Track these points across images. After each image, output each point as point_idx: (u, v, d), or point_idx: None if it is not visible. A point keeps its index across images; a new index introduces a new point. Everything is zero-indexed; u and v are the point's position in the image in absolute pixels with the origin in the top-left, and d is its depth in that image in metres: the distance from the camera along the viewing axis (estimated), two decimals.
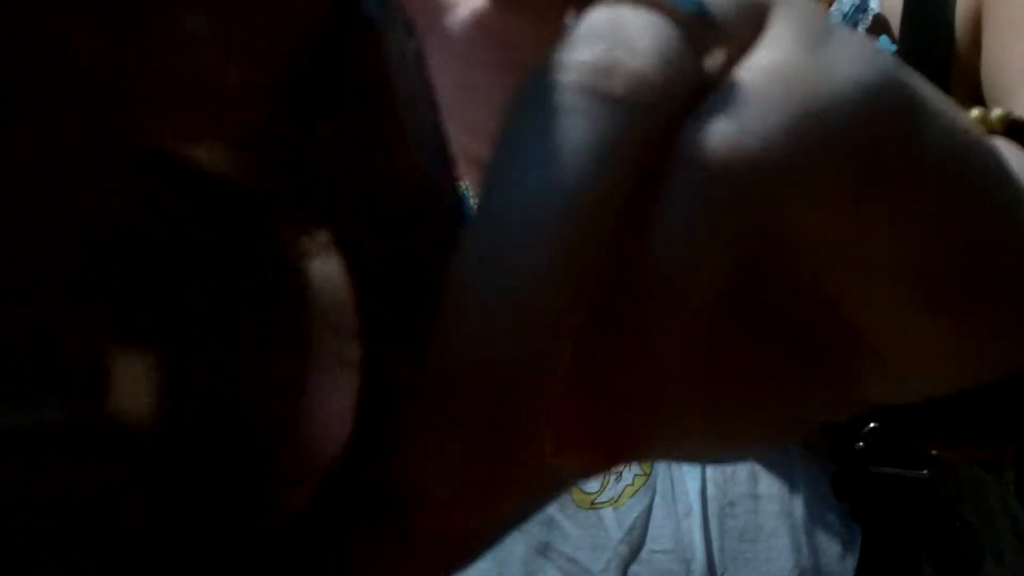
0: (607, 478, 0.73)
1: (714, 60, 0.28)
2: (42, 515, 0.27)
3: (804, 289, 0.30)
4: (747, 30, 0.28)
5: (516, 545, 0.74)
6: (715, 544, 0.72)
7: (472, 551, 0.31)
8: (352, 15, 0.30)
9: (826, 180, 0.27)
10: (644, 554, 0.72)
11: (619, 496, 0.73)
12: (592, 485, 0.74)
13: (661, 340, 0.26)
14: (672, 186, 0.26)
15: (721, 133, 0.26)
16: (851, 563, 0.73)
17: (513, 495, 0.26)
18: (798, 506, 0.73)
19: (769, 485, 0.73)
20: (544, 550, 0.74)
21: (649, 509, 0.73)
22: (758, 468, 0.73)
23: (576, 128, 0.25)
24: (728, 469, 0.73)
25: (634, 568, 0.72)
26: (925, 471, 0.74)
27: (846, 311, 0.30)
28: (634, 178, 0.26)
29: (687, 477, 0.73)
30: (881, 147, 0.27)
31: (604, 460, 0.28)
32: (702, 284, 0.26)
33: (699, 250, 0.25)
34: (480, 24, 0.74)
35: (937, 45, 0.76)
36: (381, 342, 0.30)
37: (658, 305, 0.26)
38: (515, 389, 0.25)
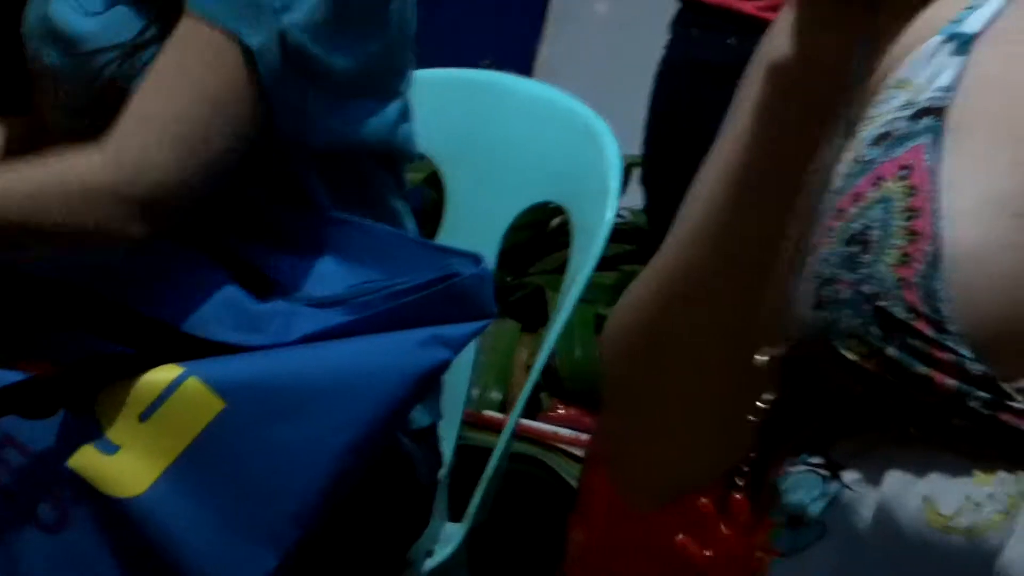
0: (966, 506, 0.72)
1: None
2: None
3: None
4: None
5: (861, 547, 0.74)
6: None
7: None
8: None
9: None
10: None
11: (975, 527, 0.73)
12: (948, 508, 0.73)
13: None
14: None
15: None
16: None
17: None
18: None
19: None
20: (886, 559, 0.74)
21: (1001, 548, 0.72)
22: None
23: None
24: None
25: None
26: None
27: None
28: None
29: None
30: None
31: None
32: None
33: None
34: None
35: None
36: None
37: None
38: None
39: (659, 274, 0.77)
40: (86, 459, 1.02)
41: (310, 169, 1.16)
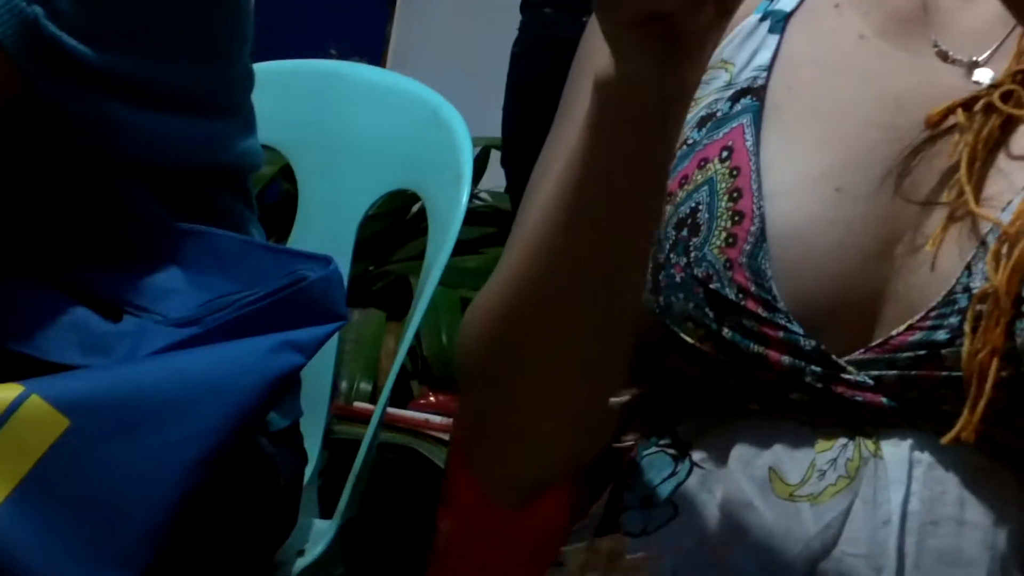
0: (809, 474, 0.71)
1: None
2: None
3: None
4: None
5: (712, 522, 0.75)
6: (910, 559, 0.72)
7: None
8: None
9: None
10: (836, 553, 0.72)
11: (820, 493, 0.73)
12: (793, 477, 0.74)
13: None
14: None
15: None
16: None
17: None
18: (1002, 539, 0.72)
19: (975, 513, 0.72)
20: (738, 532, 0.74)
21: (848, 511, 0.73)
22: (967, 494, 0.73)
23: None
24: (937, 489, 0.72)
25: (823, 565, 0.72)
26: None
27: None
28: None
29: (891, 487, 0.72)
30: None
31: None
32: None
33: None
34: None
35: None
36: None
37: None
38: None
39: (503, 286, 0.76)
40: None
41: (143, 186, 1.12)
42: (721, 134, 0.77)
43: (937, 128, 0.75)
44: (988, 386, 0.70)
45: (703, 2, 0.63)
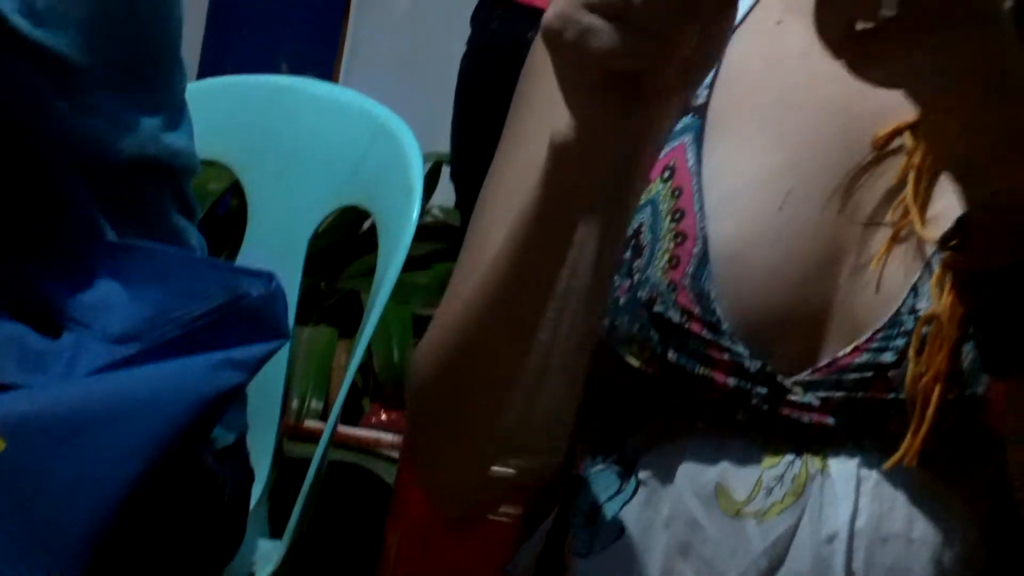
0: (756, 490, 0.70)
1: None
2: None
3: None
4: None
5: (658, 541, 0.74)
6: None
7: None
8: None
9: None
10: (782, 572, 0.72)
11: (766, 511, 0.72)
12: (740, 494, 0.73)
13: None
14: None
15: None
16: None
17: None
18: (949, 557, 0.72)
19: (924, 530, 0.72)
20: (684, 550, 0.73)
21: (795, 529, 0.72)
22: (915, 512, 0.72)
23: None
24: (885, 506, 0.72)
25: None
26: None
27: None
28: None
29: (839, 503, 0.72)
30: None
31: None
32: None
33: None
34: None
35: None
36: None
37: None
38: None
39: (451, 325, 0.75)
40: None
41: (80, 186, 1.10)
42: (662, 153, 0.76)
43: (883, 149, 0.74)
44: (931, 411, 0.70)
45: (668, 61, 0.61)
